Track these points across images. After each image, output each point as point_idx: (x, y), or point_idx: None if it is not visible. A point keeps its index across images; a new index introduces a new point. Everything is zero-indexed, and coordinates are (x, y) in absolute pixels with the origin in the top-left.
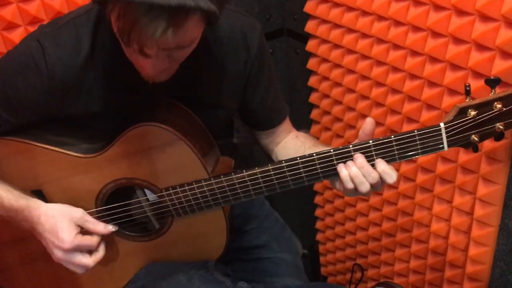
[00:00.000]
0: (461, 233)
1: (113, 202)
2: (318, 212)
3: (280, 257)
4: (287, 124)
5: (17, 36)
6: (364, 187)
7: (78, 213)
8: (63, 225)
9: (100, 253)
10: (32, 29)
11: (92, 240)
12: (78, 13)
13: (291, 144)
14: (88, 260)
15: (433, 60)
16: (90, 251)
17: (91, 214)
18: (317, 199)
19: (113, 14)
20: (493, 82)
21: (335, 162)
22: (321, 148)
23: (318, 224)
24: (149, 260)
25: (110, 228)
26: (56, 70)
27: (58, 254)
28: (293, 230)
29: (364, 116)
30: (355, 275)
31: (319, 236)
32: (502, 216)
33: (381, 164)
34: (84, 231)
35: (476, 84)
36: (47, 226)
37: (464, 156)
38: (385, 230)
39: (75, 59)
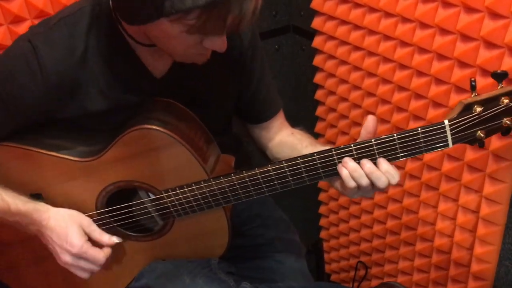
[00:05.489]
0: (466, 232)
1: (113, 204)
2: (322, 209)
3: (283, 255)
4: (281, 118)
5: (23, 29)
6: (364, 180)
7: (86, 220)
8: (73, 229)
9: (104, 260)
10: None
11: (99, 254)
12: (70, 12)
13: (286, 142)
14: (94, 266)
15: (441, 57)
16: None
17: (92, 216)
18: (321, 196)
19: (190, 16)
20: (500, 76)
21: (336, 161)
22: (318, 147)
23: (322, 221)
24: (152, 258)
25: (114, 239)
26: (49, 70)
27: (66, 257)
28: (296, 227)
29: (370, 114)
30: (359, 272)
31: (323, 234)
32: (508, 214)
33: (383, 164)
34: (92, 241)
35: (484, 82)
36: (57, 229)
37: (470, 154)
38: (390, 228)
39: (69, 58)
